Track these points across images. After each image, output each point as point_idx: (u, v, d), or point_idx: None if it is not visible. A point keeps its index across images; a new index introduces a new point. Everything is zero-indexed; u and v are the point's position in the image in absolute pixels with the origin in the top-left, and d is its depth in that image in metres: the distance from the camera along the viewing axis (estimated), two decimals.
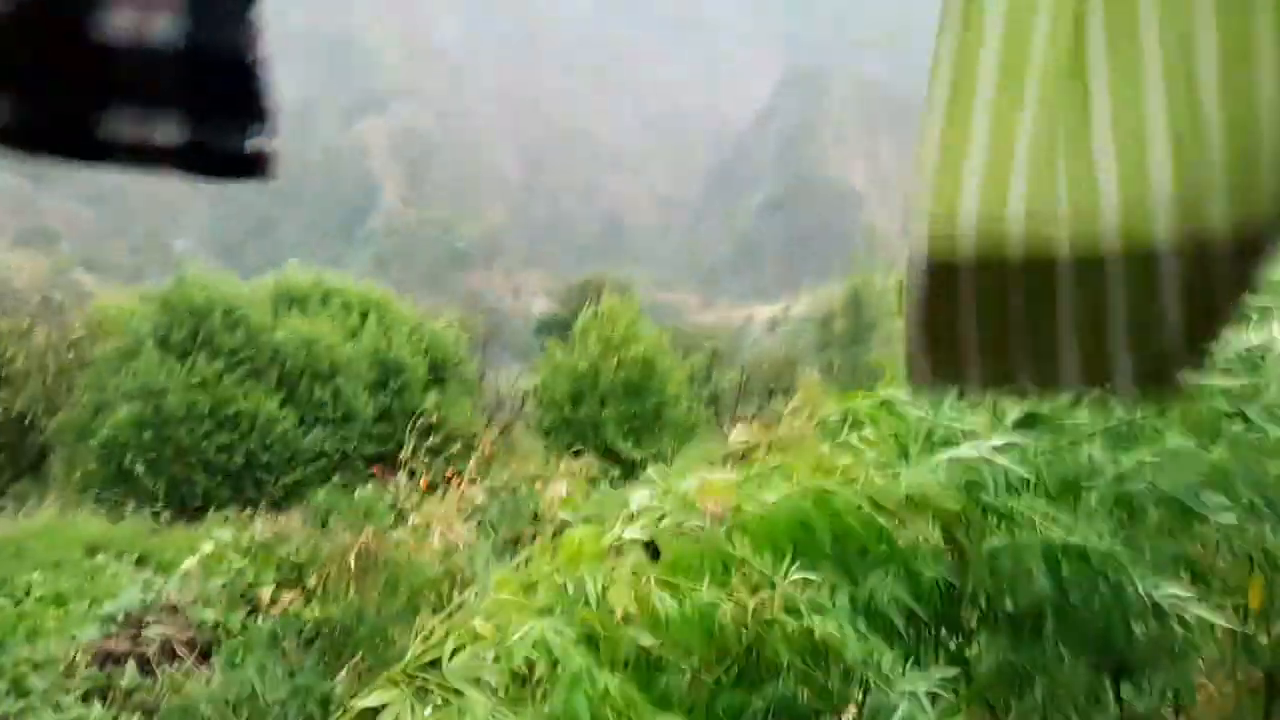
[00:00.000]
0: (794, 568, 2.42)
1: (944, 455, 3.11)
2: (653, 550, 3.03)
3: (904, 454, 3.67)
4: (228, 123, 0.82)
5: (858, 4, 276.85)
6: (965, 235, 0.81)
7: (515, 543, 7.22)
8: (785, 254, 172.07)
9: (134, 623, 6.25)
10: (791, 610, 2.38)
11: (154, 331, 13.83)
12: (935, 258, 0.84)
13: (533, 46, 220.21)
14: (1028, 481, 2.74)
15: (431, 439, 14.63)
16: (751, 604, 2.36)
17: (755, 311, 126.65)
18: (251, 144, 0.83)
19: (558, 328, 33.97)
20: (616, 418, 14.52)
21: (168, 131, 0.76)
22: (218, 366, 13.87)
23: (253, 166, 0.83)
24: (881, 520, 2.69)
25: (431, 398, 17.17)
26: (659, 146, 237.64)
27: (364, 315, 16.73)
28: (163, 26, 0.76)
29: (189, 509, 13.53)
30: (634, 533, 3.15)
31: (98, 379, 13.76)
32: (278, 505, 14.67)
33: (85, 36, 0.72)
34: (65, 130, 0.74)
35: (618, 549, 3.06)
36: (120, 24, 0.73)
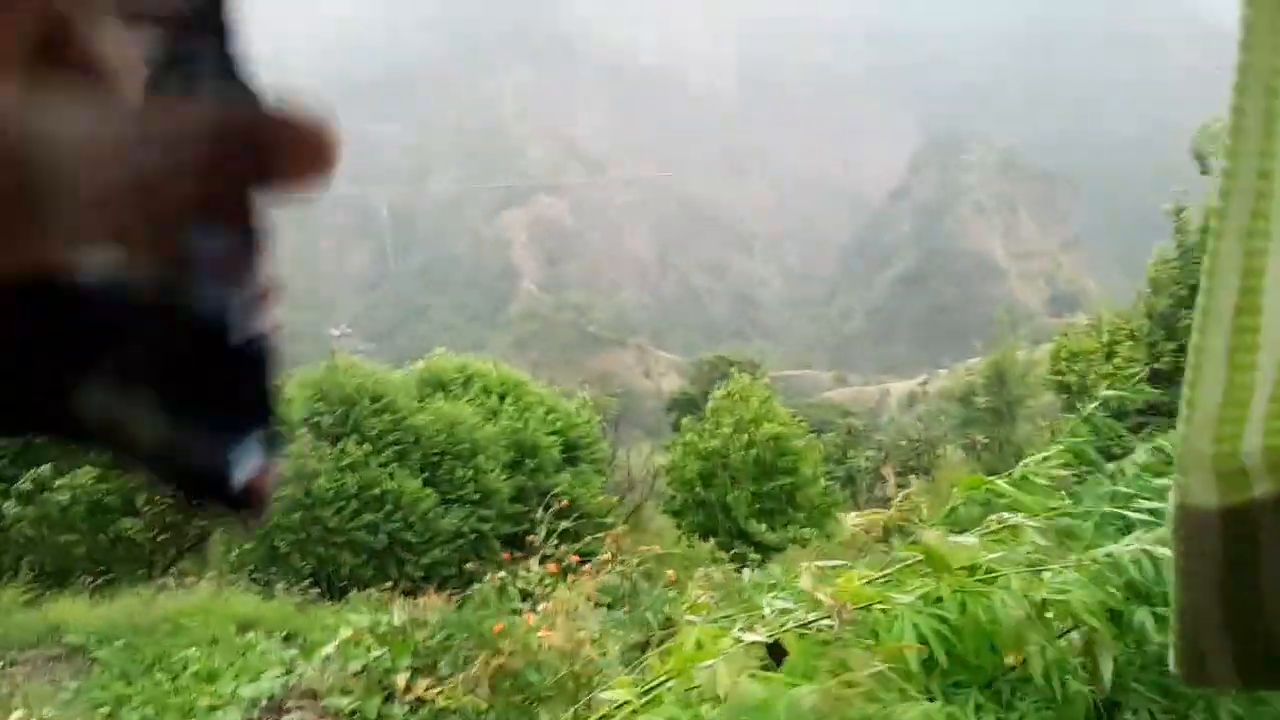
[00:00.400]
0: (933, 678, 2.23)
1: (1107, 549, 2.81)
2: (777, 651, 2.85)
3: (1065, 541, 3.34)
4: (215, 426, 0.50)
5: (991, 76, 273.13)
6: (1262, 473, 0.67)
7: (644, 643, 7.05)
8: (921, 328, 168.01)
9: (274, 707, 6.39)
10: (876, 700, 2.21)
11: (308, 417, 14.59)
12: (1227, 504, 0.69)
13: (668, 135, 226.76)
14: None
15: (564, 520, 14.68)
16: (834, 691, 2.23)
17: (891, 387, 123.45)
18: (239, 467, 0.50)
19: (689, 406, 33.94)
20: (748, 499, 14.21)
21: (139, 417, 0.50)
22: (366, 449, 14.46)
23: (234, 498, 0.52)
24: (1028, 629, 2.45)
25: (565, 477, 17.34)
26: (791, 225, 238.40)
27: (502, 397, 17.17)
28: (143, 276, 0.49)
29: (335, 587, 13.99)
30: (754, 635, 2.97)
31: None
32: (418, 584, 15.01)
33: (53, 287, 0.47)
34: (29, 400, 0.49)
35: (738, 651, 2.89)
36: (93, 266, 0.48)
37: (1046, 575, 2.71)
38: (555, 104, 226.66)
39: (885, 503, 20.36)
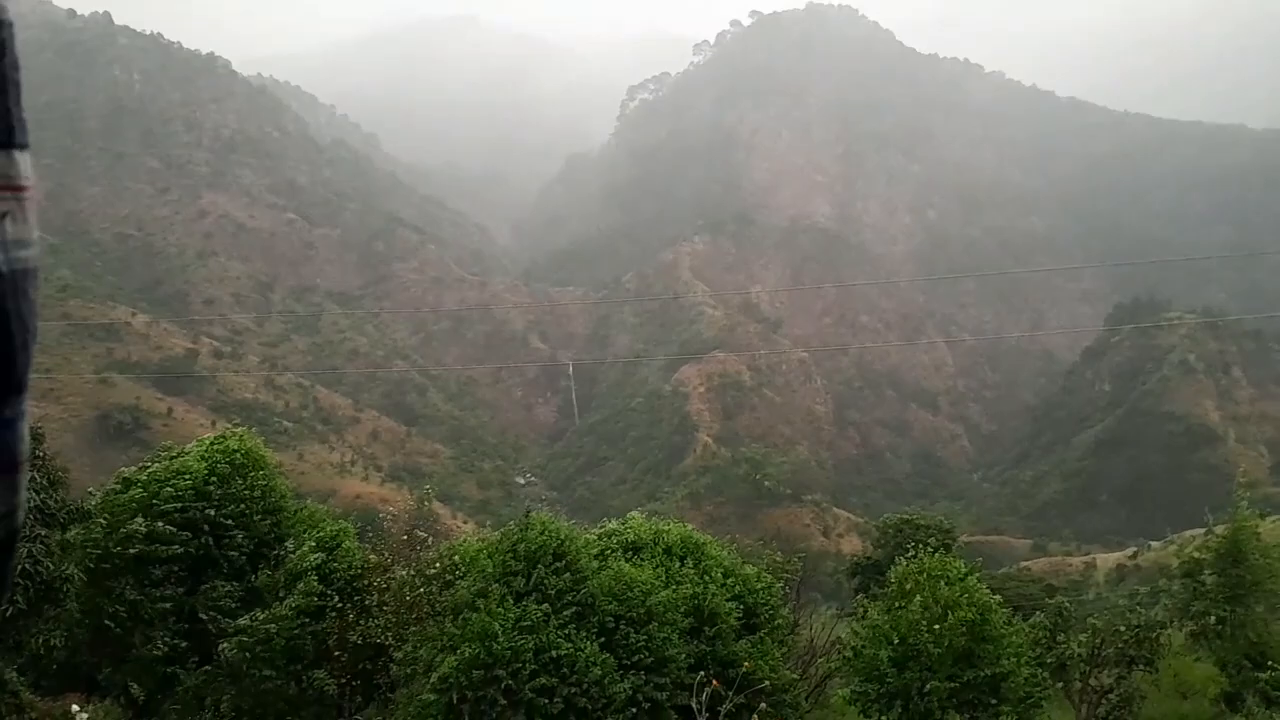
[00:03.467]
0: None
1: None
2: None
3: None
4: None
5: (1190, 232, 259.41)
6: None
7: None
8: (1126, 495, 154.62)
9: None
10: None
11: (498, 575, 14.91)
12: None
13: (844, 296, 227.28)
14: None
15: (743, 693, 14.03)
16: None
17: (1096, 558, 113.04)
18: None
19: (872, 571, 32.28)
20: (945, 690, 13.03)
21: None
22: (545, 609, 14.54)
23: None
24: None
25: (744, 646, 16.70)
26: (975, 385, 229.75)
27: (683, 560, 16.99)
28: None
29: None
30: None
31: (447, 616, 14.93)
32: None
33: None
34: None
35: None
36: None
37: None
38: (732, 268, 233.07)
39: (1103, 695, 18.12)
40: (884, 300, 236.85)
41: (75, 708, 15.26)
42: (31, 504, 14.99)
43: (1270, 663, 18.00)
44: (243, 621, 16.25)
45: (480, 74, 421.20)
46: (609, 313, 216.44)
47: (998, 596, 14.67)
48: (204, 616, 16.37)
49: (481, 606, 14.07)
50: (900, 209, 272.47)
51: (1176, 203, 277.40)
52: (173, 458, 17.79)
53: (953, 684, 13.22)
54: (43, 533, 15.10)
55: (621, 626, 15.19)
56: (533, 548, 14.90)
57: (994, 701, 13.26)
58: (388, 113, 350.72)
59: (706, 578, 16.38)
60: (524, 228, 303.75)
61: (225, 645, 16.08)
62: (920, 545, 17.12)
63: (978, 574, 15.01)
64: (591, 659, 14.52)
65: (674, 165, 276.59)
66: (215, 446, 17.92)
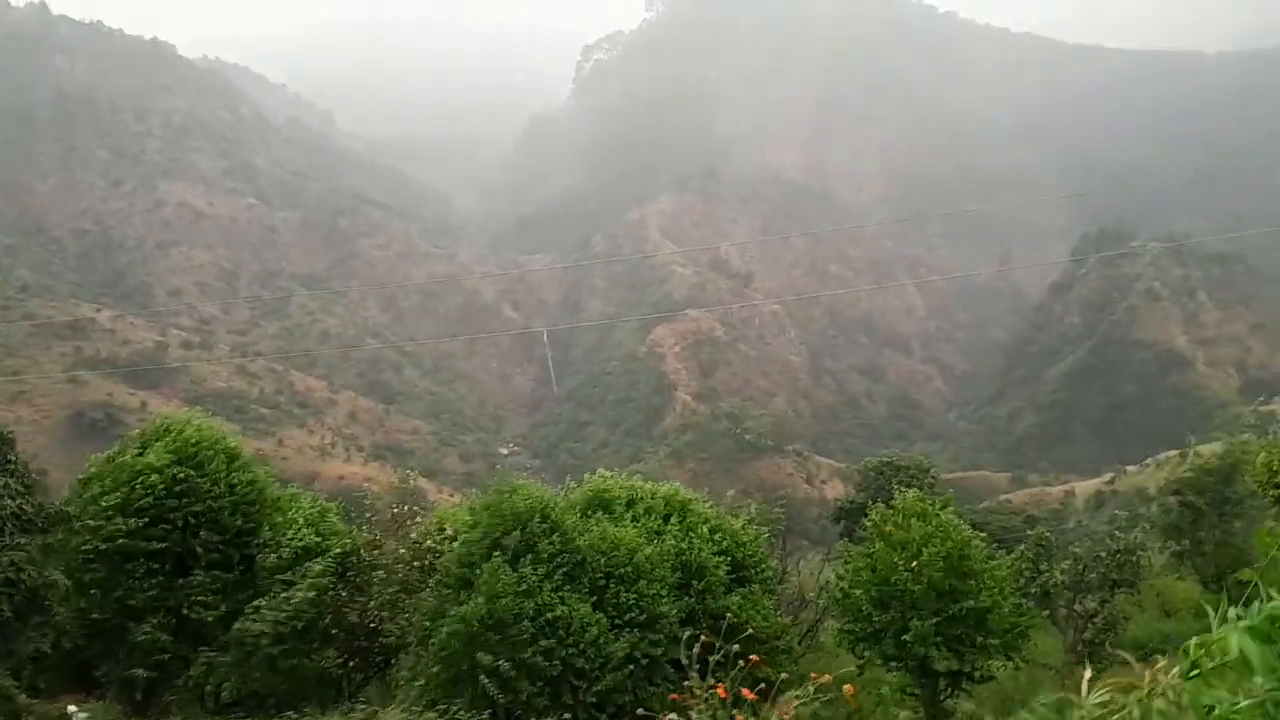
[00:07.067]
0: None
1: None
2: None
3: None
4: None
5: (1148, 161, 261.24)
6: None
7: None
8: (1100, 424, 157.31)
9: None
10: None
11: (486, 538, 14.98)
12: None
13: (814, 246, 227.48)
14: None
15: (735, 644, 14.21)
16: None
17: (1075, 487, 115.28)
18: None
19: (854, 514, 32.73)
20: (929, 627, 13.29)
21: None
22: (540, 572, 14.64)
23: None
24: None
25: (734, 599, 16.89)
26: (947, 325, 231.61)
27: (666, 517, 17.11)
28: None
29: (512, 715, 13.96)
30: None
31: (439, 586, 15.00)
32: (593, 713, 14.79)
33: None
34: None
35: None
36: None
37: None
38: (700, 224, 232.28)
39: (1089, 619, 18.40)
40: (853, 248, 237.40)
41: (72, 708, 15.24)
42: (8, 510, 14.77)
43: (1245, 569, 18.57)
44: (264, 604, 15.96)
45: (434, 41, 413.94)
46: (579, 277, 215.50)
47: (981, 534, 14.95)
48: (186, 611, 16.35)
49: (482, 572, 14.12)
50: (867, 153, 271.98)
51: (1140, 131, 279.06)
52: (135, 454, 17.47)
53: (936, 619, 13.47)
54: (22, 540, 14.90)
55: (611, 585, 15.32)
56: (519, 511, 14.96)
57: (981, 636, 13.56)
58: (339, 86, 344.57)
59: (691, 533, 16.54)
60: (488, 192, 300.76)
61: (240, 623, 15.83)
62: (900, 487, 17.34)
63: (954, 509, 15.29)
64: (587, 620, 14.65)
65: (636, 121, 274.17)
66: (174, 439, 17.61)
